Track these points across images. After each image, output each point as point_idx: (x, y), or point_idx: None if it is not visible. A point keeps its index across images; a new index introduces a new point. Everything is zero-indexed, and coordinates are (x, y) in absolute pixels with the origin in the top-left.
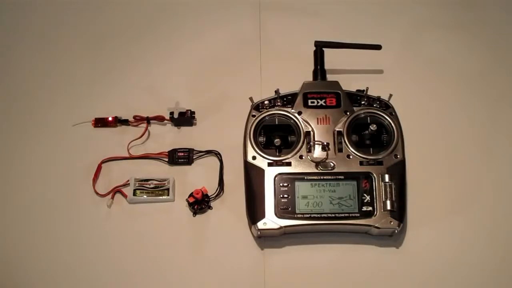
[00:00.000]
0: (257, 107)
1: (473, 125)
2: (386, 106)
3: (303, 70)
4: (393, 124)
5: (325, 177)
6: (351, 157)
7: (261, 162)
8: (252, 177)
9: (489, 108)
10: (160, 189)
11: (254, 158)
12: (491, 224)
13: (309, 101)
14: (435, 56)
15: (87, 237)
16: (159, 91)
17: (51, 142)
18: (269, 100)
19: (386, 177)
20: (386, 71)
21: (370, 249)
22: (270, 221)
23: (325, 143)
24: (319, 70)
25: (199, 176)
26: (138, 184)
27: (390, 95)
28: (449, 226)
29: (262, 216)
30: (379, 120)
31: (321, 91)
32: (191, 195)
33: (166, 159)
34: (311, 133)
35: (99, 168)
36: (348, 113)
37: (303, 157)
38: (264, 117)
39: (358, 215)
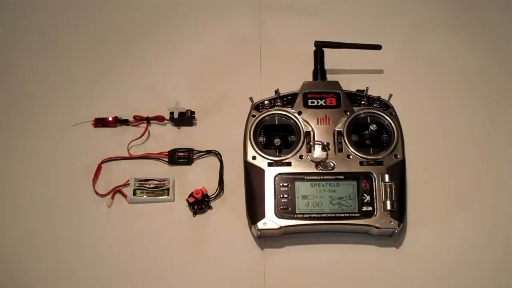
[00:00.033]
0: (257, 107)
1: (473, 125)
2: (386, 106)
3: (303, 70)
4: (393, 124)
5: (325, 177)
6: (351, 157)
7: (261, 162)
8: (252, 177)
9: (489, 108)
10: (160, 189)
11: (254, 158)
12: (491, 224)
13: (309, 101)
14: (435, 56)
15: (87, 237)
16: (159, 91)
17: (51, 142)
18: (269, 100)
19: (386, 177)
20: (386, 71)
21: (370, 249)
22: (270, 221)
23: (325, 143)
24: (319, 70)
25: (199, 176)
26: (138, 184)
27: (390, 95)
28: (449, 226)
29: (262, 216)
30: (379, 120)
31: (321, 91)
32: (191, 195)
33: (166, 159)
34: (311, 133)
35: (99, 168)
36: (348, 113)
37: (303, 157)
38: (264, 117)
39: (358, 215)
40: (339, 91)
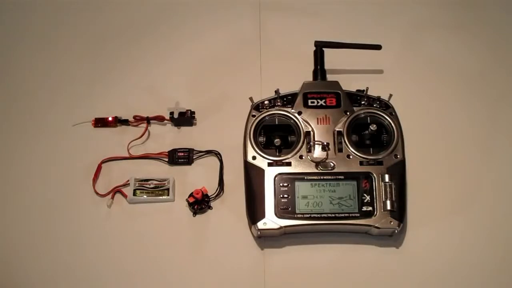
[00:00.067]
0: (257, 107)
1: (473, 125)
2: (386, 106)
3: (303, 70)
4: (393, 124)
5: (325, 177)
6: (351, 157)
7: (261, 162)
8: (252, 177)
9: (489, 108)
10: (160, 189)
11: (254, 158)
12: (491, 224)
13: (309, 101)
14: (435, 56)
15: (87, 237)
16: (159, 91)
17: (51, 142)
18: (269, 100)
19: (386, 177)
20: (386, 71)
21: (370, 249)
22: (270, 221)
23: (325, 143)
24: (319, 70)
25: (199, 176)
26: (138, 184)
27: (390, 95)
28: (449, 226)
29: (262, 216)
30: (379, 120)
31: (321, 91)
32: (191, 195)
33: (166, 159)
34: (311, 133)
35: (99, 168)
36: (348, 113)
37: (303, 157)
38: (264, 117)
39: (358, 215)
40: (339, 91)
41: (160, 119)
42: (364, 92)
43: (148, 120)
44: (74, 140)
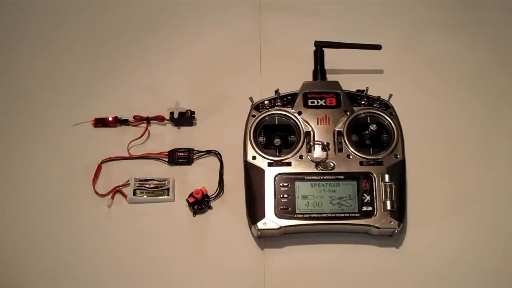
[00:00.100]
0: (257, 107)
1: (473, 125)
2: (386, 106)
3: (303, 70)
4: (393, 124)
5: (325, 177)
6: (351, 157)
7: (261, 162)
8: (252, 177)
9: (489, 108)
10: (160, 189)
11: (254, 158)
12: (491, 224)
13: (309, 101)
14: (435, 56)
15: (87, 237)
16: (159, 91)
17: (51, 142)
18: (269, 100)
19: (386, 177)
20: (386, 71)
21: (370, 249)
22: (270, 221)
23: (325, 143)
24: (319, 70)
25: (199, 176)
26: (138, 184)
27: (390, 95)
28: (449, 226)
29: (262, 216)
30: (379, 120)
31: (321, 91)
32: (191, 195)
33: (166, 159)
34: (311, 133)
35: (99, 168)
36: (348, 113)
37: (303, 157)
38: (264, 117)
39: (358, 215)
40: (339, 91)
41: (160, 119)
42: (364, 92)
43: (148, 120)
44: (74, 140)
